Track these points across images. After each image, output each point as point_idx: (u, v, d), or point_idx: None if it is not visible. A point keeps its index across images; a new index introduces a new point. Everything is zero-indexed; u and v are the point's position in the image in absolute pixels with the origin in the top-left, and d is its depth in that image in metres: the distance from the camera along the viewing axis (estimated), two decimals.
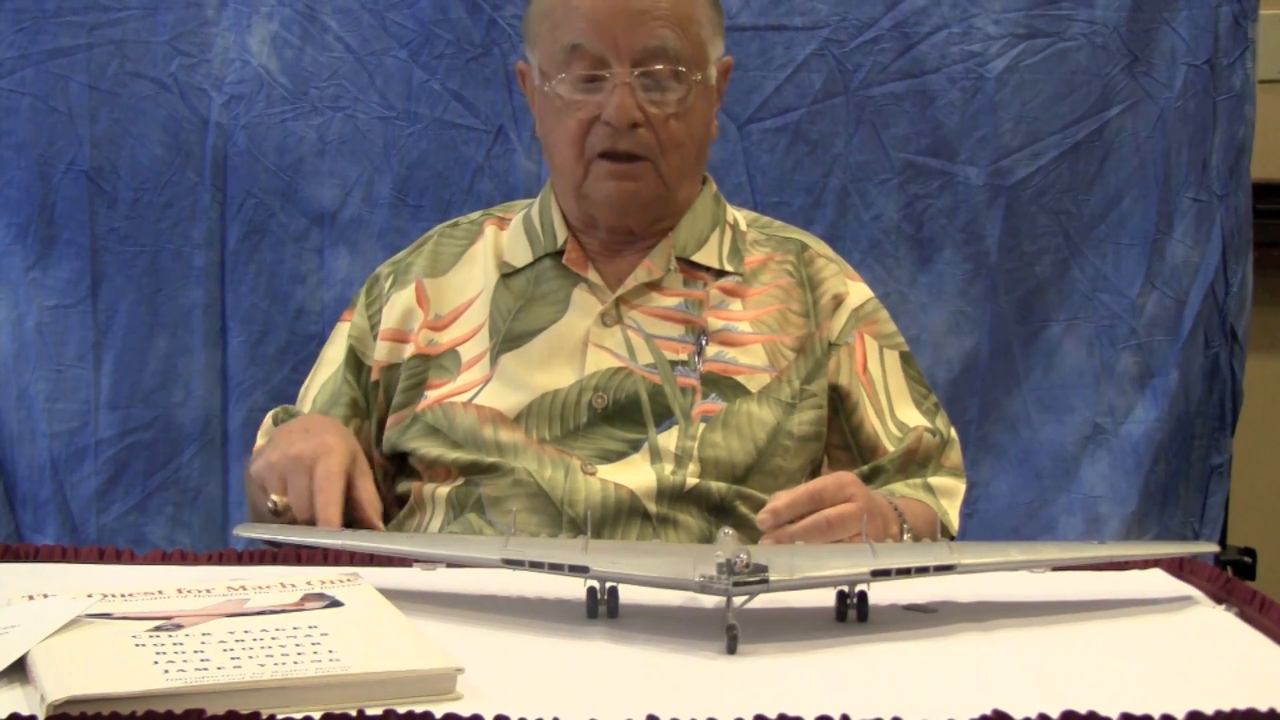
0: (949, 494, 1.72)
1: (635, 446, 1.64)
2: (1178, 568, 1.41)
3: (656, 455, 1.63)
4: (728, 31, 2.17)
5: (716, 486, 1.63)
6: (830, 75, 2.20)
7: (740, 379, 1.67)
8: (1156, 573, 1.41)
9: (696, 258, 1.72)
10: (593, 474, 1.62)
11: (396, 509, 1.73)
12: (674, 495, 1.62)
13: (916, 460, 1.72)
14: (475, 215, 1.82)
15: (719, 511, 1.63)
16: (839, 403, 1.72)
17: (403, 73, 2.21)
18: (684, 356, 1.67)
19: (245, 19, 2.20)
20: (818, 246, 1.80)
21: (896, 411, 1.73)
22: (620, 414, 1.65)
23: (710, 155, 2.18)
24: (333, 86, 2.21)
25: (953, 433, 1.77)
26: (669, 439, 1.63)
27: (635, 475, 1.62)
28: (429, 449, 1.67)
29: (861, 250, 2.20)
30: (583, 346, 1.67)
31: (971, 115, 2.20)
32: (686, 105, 1.65)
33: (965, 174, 2.20)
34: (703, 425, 1.64)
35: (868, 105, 2.20)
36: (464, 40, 2.20)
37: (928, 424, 1.74)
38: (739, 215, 1.80)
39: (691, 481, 1.62)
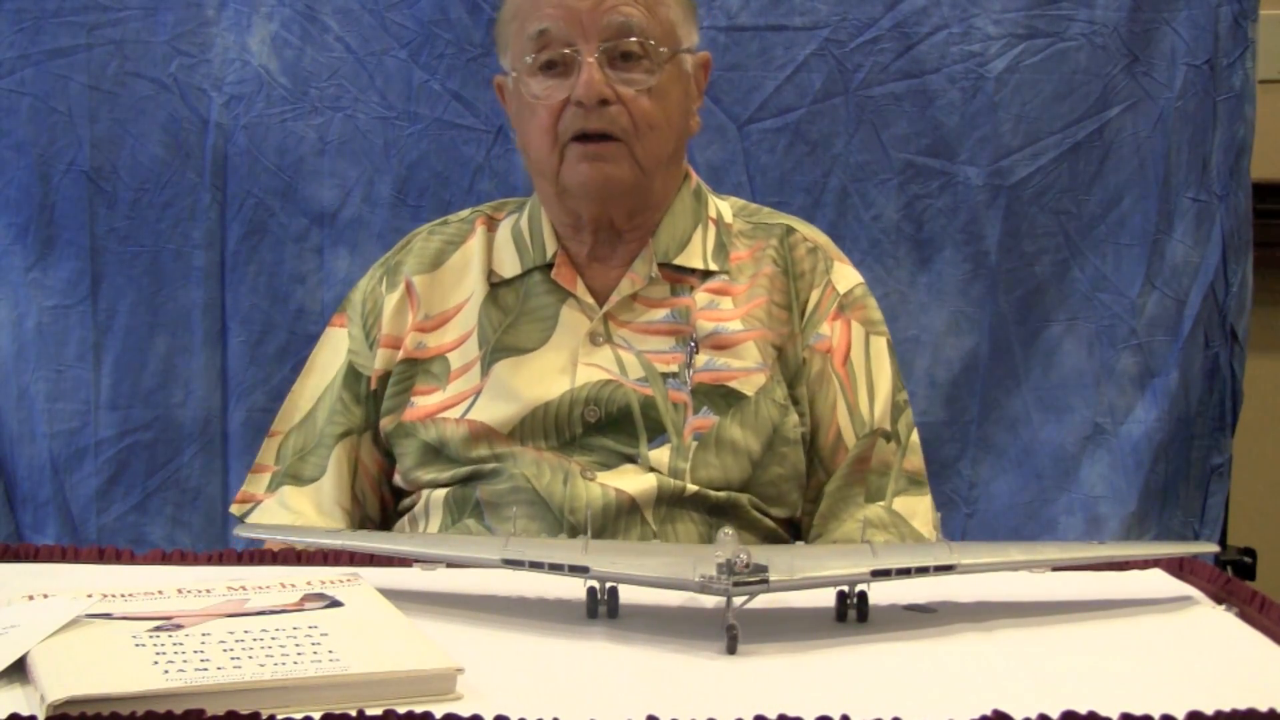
0: (915, 513, 1.68)
1: (631, 460, 1.63)
2: (1178, 568, 1.41)
3: (651, 469, 1.62)
4: (727, 31, 2.19)
5: (716, 493, 1.62)
6: (830, 75, 2.20)
7: (734, 384, 1.64)
8: (1156, 573, 1.41)
9: (680, 260, 1.69)
10: (592, 479, 1.61)
11: (395, 506, 1.73)
12: (674, 499, 1.61)
13: (871, 469, 1.67)
14: (465, 213, 1.80)
15: (720, 513, 1.62)
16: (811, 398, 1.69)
17: (403, 73, 2.21)
18: (674, 368, 1.65)
19: (245, 19, 2.20)
20: (803, 230, 1.76)
21: (876, 400, 1.69)
22: (613, 426, 1.63)
23: (710, 155, 2.21)
24: (333, 86, 2.21)
25: (914, 437, 1.73)
26: (661, 456, 1.62)
27: (634, 480, 1.61)
28: (421, 474, 1.67)
29: (861, 250, 2.20)
30: (572, 366, 1.65)
31: (971, 115, 2.20)
32: (659, 82, 1.63)
33: (965, 174, 2.20)
34: (695, 444, 1.62)
35: (868, 105, 2.20)
36: (464, 40, 2.20)
37: (885, 428, 1.69)
38: (723, 206, 1.77)
39: (692, 488, 1.62)
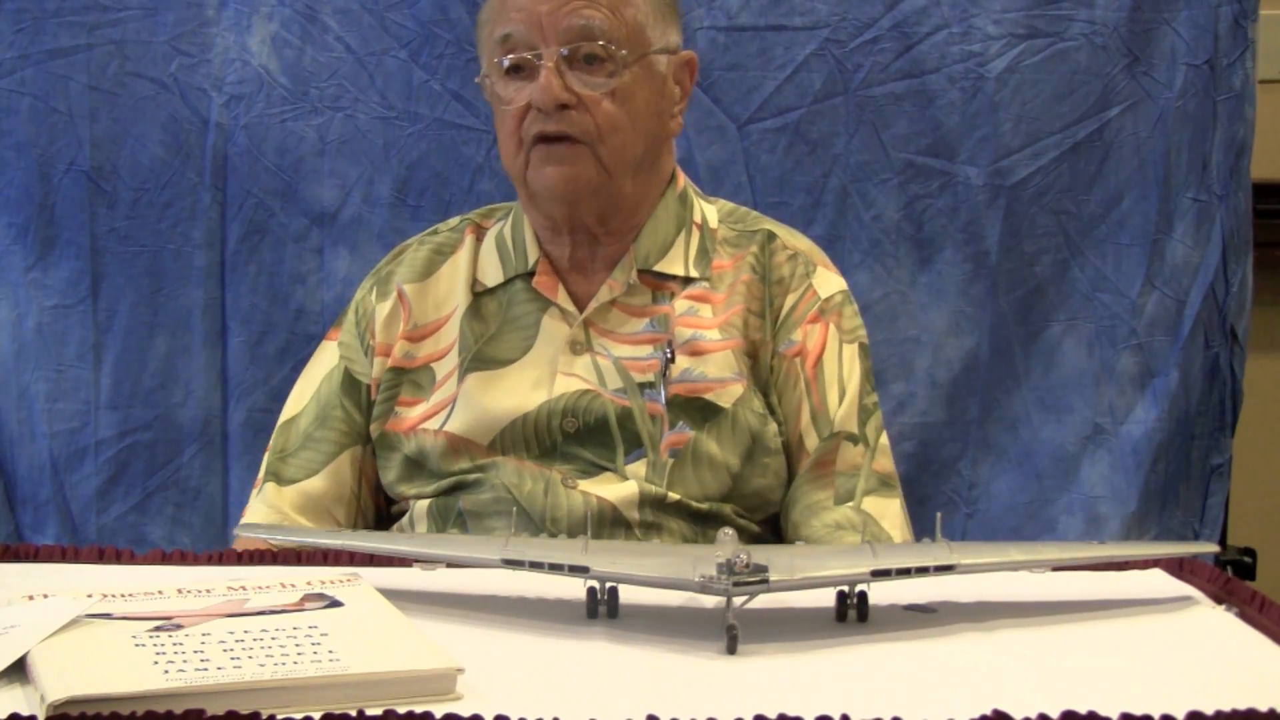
0: (884, 515, 1.66)
1: (610, 471, 1.63)
2: (1178, 568, 1.41)
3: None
4: (727, 31, 2.19)
5: (697, 503, 1.62)
6: (830, 75, 2.20)
7: (710, 396, 1.63)
8: (1156, 573, 1.41)
9: (660, 267, 1.69)
10: (573, 487, 1.61)
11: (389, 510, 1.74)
12: (656, 504, 1.61)
13: (838, 471, 1.65)
14: (454, 221, 1.80)
15: (703, 519, 1.62)
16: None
17: (403, 73, 2.21)
18: (652, 377, 1.64)
19: (245, 19, 2.20)
20: (785, 237, 1.74)
21: (842, 403, 1.67)
22: (590, 436, 1.63)
23: (710, 155, 2.21)
24: (333, 86, 2.21)
25: (883, 439, 1.71)
26: (638, 471, 1.62)
27: (615, 488, 1.61)
28: (405, 488, 1.67)
29: (861, 250, 2.20)
30: (550, 376, 1.65)
31: (971, 115, 2.20)
32: (621, 85, 1.62)
33: (965, 174, 2.20)
34: (671, 461, 1.61)
35: (868, 105, 2.20)
36: (464, 40, 2.20)
37: (851, 430, 1.67)
38: (710, 211, 1.75)
39: (674, 496, 1.61)
